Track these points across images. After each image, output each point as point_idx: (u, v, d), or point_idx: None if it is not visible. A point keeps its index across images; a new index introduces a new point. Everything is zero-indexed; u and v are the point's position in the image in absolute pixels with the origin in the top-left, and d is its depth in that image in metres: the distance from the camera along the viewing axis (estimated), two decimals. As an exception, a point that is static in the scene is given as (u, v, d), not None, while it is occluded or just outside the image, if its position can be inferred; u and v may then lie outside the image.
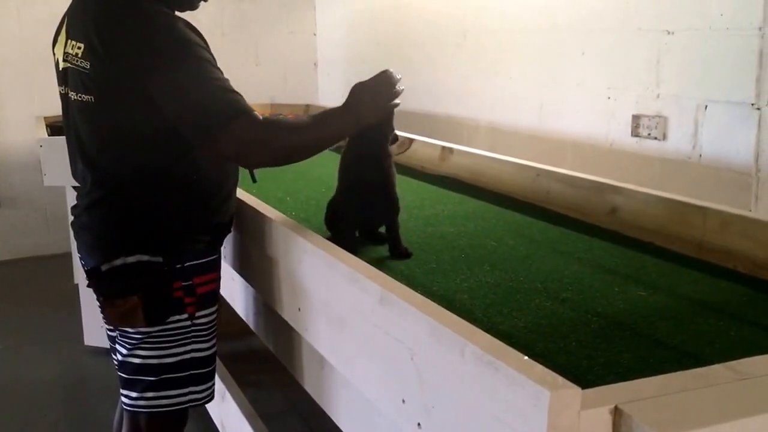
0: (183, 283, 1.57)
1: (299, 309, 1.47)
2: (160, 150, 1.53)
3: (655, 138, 2.60)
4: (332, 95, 5.08)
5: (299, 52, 5.21)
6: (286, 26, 5.15)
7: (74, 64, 1.53)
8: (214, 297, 1.66)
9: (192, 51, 1.45)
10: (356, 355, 1.24)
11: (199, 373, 1.63)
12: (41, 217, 4.63)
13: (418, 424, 1.05)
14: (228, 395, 2.19)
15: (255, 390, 2.71)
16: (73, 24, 1.58)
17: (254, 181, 1.83)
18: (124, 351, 1.61)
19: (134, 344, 1.58)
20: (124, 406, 1.65)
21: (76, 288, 3.19)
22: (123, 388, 1.63)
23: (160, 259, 1.55)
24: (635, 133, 2.68)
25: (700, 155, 2.45)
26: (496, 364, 0.87)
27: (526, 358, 0.88)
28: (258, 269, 1.71)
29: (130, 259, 1.54)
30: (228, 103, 1.43)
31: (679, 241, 1.73)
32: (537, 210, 2.11)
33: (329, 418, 1.53)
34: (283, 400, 2.80)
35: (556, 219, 2.02)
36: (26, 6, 4.44)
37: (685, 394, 0.86)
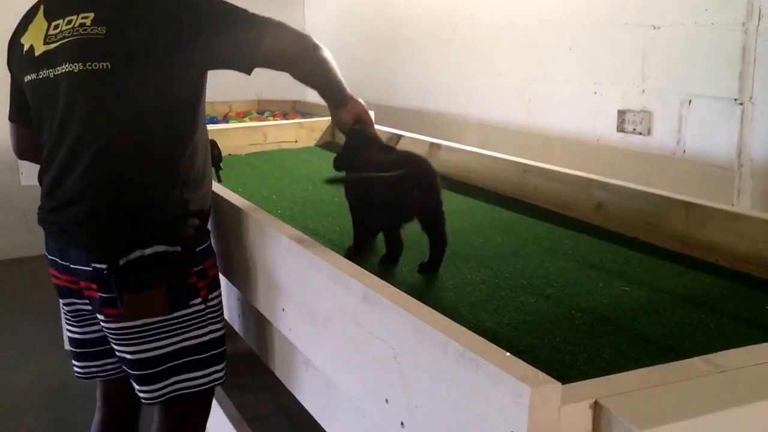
0: (195, 269, 1.61)
1: (283, 309, 1.48)
2: (172, 123, 1.56)
3: (640, 133, 2.61)
4: (321, 92, 5.07)
5: (288, 48, 5.18)
6: (274, 21, 5.12)
7: (82, 35, 1.52)
8: (218, 278, 1.73)
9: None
10: (340, 355, 1.25)
11: (218, 353, 1.70)
12: (20, 218, 4.50)
13: (402, 424, 1.06)
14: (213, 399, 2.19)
15: (241, 393, 2.71)
16: (62, 2, 1.58)
17: (219, 180, 1.85)
18: (135, 348, 1.60)
19: (152, 335, 1.59)
20: (149, 402, 1.67)
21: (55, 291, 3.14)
22: (143, 384, 1.64)
23: (179, 249, 1.57)
24: (621, 129, 2.70)
25: (684, 150, 2.47)
26: (478, 362, 0.88)
27: (508, 354, 0.89)
28: (241, 269, 1.71)
29: (148, 251, 1.54)
30: (261, 18, 1.61)
31: (662, 235, 1.74)
32: (524, 206, 2.12)
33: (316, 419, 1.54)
34: (270, 402, 2.79)
35: (543, 215, 2.03)
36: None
37: (664, 387, 0.87)
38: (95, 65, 1.51)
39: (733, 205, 2.27)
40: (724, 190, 2.31)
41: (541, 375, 0.83)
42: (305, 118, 3.70)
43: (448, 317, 1.32)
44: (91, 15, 1.53)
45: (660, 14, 2.52)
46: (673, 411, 0.82)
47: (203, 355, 1.67)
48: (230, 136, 3.01)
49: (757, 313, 1.34)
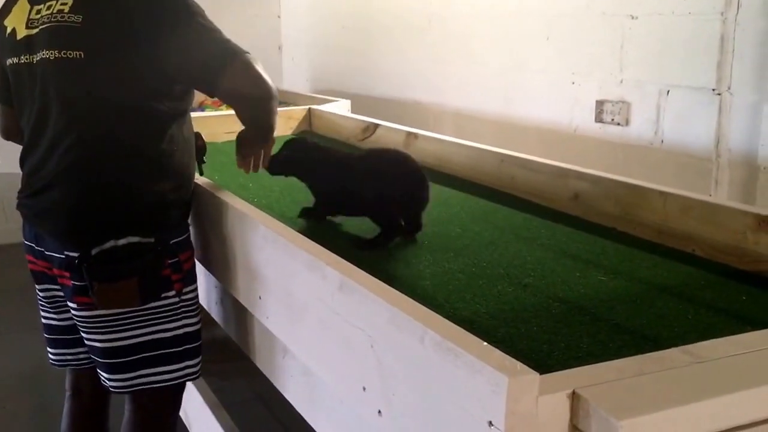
0: (169, 261, 1.59)
1: (260, 297, 1.46)
2: (148, 114, 1.54)
3: (618, 123, 2.62)
4: (297, 79, 5.03)
5: (263, 35, 5.11)
6: (249, 8, 5.05)
7: (59, 21, 1.50)
8: (194, 272, 1.70)
9: (191, 8, 1.53)
10: (317, 344, 1.23)
11: (192, 348, 1.68)
12: (-4, 205, 4.44)
13: (379, 412, 1.05)
14: (191, 385, 2.17)
15: (218, 379, 2.69)
16: None
17: (201, 173, 1.82)
18: (105, 336, 1.58)
19: (123, 325, 1.58)
20: (117, 390, 1.66)
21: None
22: (111, 373, 1.63)
23: (152, 240, 1.55)
24: (599, 119, 2.70)
25: (662, 141, 2.48)
26: (456, 351, 0.86)
27: (486, 344, 0.88)
28: (218, 257, 1.69)
29: (122, 242, 1.53)
30: (229, 48, 1.53)
31: (640, 225, 1.74)
32: (502, 196, 2.11)
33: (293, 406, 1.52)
34: (247, 388, 2.78)
35: (521, 205, 2.02)
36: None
37: (642, 377, 0.87)
38: (69, 53, 1.50)
39: (710, 195, 2.28)
40: (701, 181, 2.32)
41: (519, 365, 0.82)
42: (282, 106, 3.67)
43: (426, 306, 1.32)
44: (70, 1, 1.51)
45: (638, 3, 2.52)
46: (651, 401, 0.81)
47: (176, 349, 1.65)
48: (206, 124, 2.96)
49: (734, 303, 1.34)
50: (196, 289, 1.70)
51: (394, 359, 1.00)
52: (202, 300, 1.98)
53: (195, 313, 1.69)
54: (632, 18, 2.55)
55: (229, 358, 2.68)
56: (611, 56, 2.63)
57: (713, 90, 2.28)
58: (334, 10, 4.58)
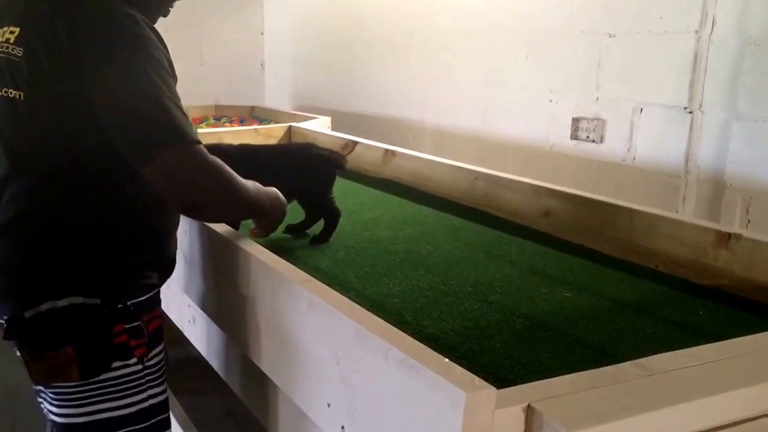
0: (127, 326, 1.35)
1: (230, 312, 1.48)
2: (104, 162, 1.30)
3: (593, 141, 2.67)
4: (279, 96, 5.06)
5: (246, 51, 5.14)
6: (232, 25, 5.09)
7: (4, 53, 1.31)
8: (161, 333, 1.46)
9: (148, 50, 1.26)
10: (284, 360, 1.26)
11: (161, 420, 1.44)
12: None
13: (342, 428, 1.07)
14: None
15: (192, 397, 2.70)
16: (6, 7, 1.37)
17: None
18: (61, 410, 1.36)
19: (76, 400, 1.34)
20: None
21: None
22: None
23: (98, 301, 1.31)
24: (574, 136, 2.75)
25: (635, 158, 2.53)
26: (417, 367, 0.90)
27: (447, 360, 0.91)
28: (189, 277, 1.71)
29: (61, 303, 1.29)
30: (179, 123, 1.25)
31: (607, 242, 1.79)
32: (475, 213, 2.15)
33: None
34: (220, 405, 2.80)
35: (493, 222, 2.06)
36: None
37: (594, 391, 0.90)
38: (9, 92, 1.30)
39: (677, 211, 2.34)
40: (670, 198, 2.37)
41: (477, 380, 0.85)
42: (263, 124, 3.70)
43: (392, 323, 1.34)
44: (17, 30, 1.30)
45: (616, 22, 2.57)
46: (602, 413, 0.85)
47: (143, 425, 1.40)
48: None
49: (690, 317, 1.39)
50: (162, 351, 1.45)
51: (359, 376, 1.02)
52: (174, 317, 1.99)
53: (161, 380, 1.45)
54: (610, 36, 2.60)
55: (205, 376, 2.71)
56: (588, 74, 2.68)
57: (685, 108, 2.33)
58: (317, 27, 4.63)
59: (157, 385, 1.43)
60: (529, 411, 0.86)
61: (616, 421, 0.84)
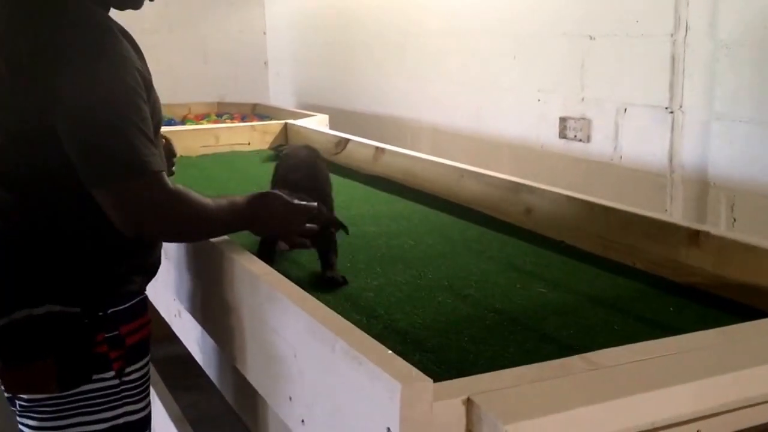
0: (107, 335, 1.28)
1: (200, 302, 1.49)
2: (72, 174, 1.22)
3: (581, 140, 2.67)
4: (282, 94, 5.11)
5: (249, 50, 5.20)
6: (235, 25, 5.14)
7: None
8: (146, 346, 1.38)
9: (114, 62, 1.19)
10: (251, 353, 1.27)
11: None
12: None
13: (302, 421, 1.09)
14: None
15: (190, 394, 2.70)
16: None
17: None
18: (33, 422, 1.30)
19: (47, 413, 1.28)
20: None
21: None
22: None
23: (77, 310, 1.25)
24: (563, 135, 2.75)
25: (621, 157, 2.52)
26: (360, 359, 0.91)
27: (390, 352, 0.92)
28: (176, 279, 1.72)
29: (38, 311, 1.24)
30: (137, 154, 1.18)
31: (587, 239, 1.78)
32: (461, 210, 2.16)
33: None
34: (221, 402, 2.80)
35: (477, 219, 2.07)
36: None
37: (538, 384, 0.90)
38: None
39: (666, 210, 2.33)
40: (658, 196, 2.36)
41: (414, 372, 0.86)
42: (264, 121, 3.72)
43: (364, 318, 1.36)
44: None
45: (596, 25, 2.58)
46: (540, 406, 0.85)
47: None
48: (182, 138, 3.01)
49: (660, 313, 1.38)
50: (145, 366, 1.38)
51: (313, 368, 1.04)
52: (163, 312, 2.00)
53: (141, 397, 1.36)
54: (591, 38, 2.61)
55: (204, 373, 2.72)
56: (573, 75, 2.69)
57: (666, 108, 2.33)
58: (318, 26, 4.66)
59: (135, 402, 1.35)
60: (469, 404, 0.86)
61: (555, 414, 0.84)
